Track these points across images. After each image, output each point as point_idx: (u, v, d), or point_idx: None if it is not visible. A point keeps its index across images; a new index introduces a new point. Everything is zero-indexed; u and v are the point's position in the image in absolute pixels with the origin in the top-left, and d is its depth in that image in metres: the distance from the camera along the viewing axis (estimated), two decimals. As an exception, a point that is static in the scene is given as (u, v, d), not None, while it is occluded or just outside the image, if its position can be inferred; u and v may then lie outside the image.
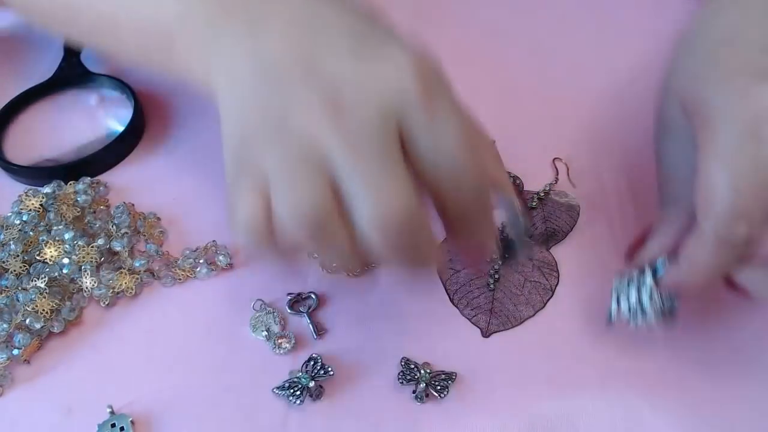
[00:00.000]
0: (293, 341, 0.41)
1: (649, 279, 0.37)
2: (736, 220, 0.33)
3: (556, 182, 0.47)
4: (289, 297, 0.43)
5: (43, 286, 0.43)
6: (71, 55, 0.56)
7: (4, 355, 0.41)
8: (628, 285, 0.38)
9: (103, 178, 0.50)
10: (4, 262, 0.44)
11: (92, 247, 0.44)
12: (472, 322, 0.41)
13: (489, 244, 0.37)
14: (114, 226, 0.46)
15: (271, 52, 0.34)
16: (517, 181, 0.48)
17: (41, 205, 0.46)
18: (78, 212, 0.46)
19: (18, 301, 0.42)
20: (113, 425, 0.38)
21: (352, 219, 0.32)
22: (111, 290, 0.43)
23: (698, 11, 0.41)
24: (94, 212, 0.47)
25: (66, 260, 0.44)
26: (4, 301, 0.42)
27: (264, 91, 0.34)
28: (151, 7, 0.39)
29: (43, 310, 0.42)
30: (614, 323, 0.38)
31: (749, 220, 0.33)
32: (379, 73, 0.33)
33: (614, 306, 0.38)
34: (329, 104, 0.33)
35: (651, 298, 0.37)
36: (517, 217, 0.38)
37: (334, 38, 0.35)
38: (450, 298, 0.43)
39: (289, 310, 0.42)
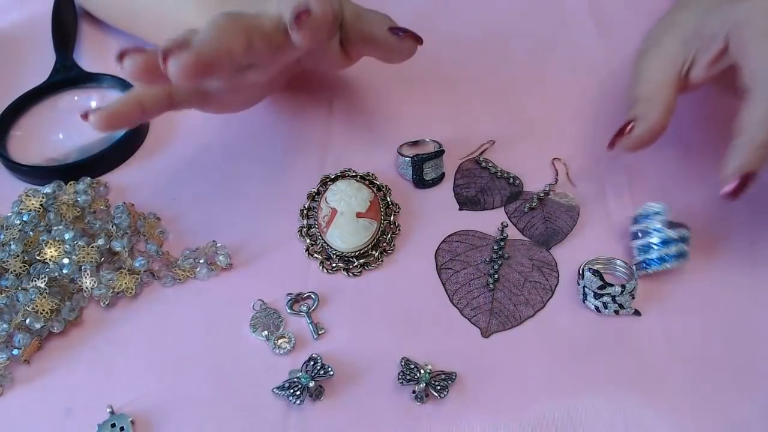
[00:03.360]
0: (293, 341, 0.41)
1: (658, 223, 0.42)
2: None
3: (556, 182, 0.47)
4: (289, 297, 0.43)
5: (43, 286, 0.43)
6: (65, 57, 0.56)
7: (4, 355, 0.41)
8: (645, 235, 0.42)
9: (103, 178, 0.50)
10: (4, 262, 0.44)
11: (92, 247, 0.44)
12: (472, 322, 0.41)
13: None
14: (114, 226, 0.46)
15: None
16: (517, 182, 0.48)
17: (41, 205, 0.46)
18: (78, 212, 0.47)
19: (18, 301, 0.42)
20: (113, 425, 0.38)
21: None
22: (111, 290, 0.43)
23: None
24: (94, 212, 0.47)
25: (66, 260, 0.44)
26: (4, 301, 0.42)
27: None
28: (193, 12, 0.45)
29: (43, 310, 0.42)
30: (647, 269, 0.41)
31: None
32: None
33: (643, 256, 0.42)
34: None
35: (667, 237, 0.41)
36: None
37: None
38: (450, 298, 0.43)
39: (289, 310, 0.42)
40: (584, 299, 0.41)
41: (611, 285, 0.40)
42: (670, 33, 0.46)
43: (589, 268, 0.40)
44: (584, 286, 0.41)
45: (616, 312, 0.40)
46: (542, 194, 0.47)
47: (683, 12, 0.47)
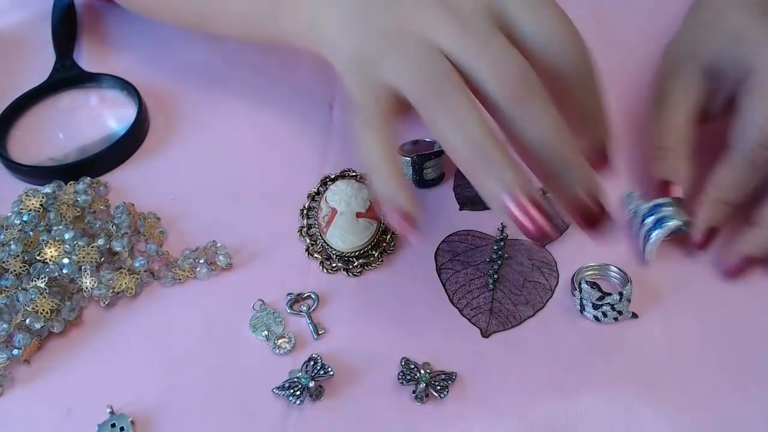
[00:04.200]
0: (293, 341, 0.41)
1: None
2: (763, 146, 0.41)
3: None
4: (289, 297, 0.43)
5: (43, 286, 0.43)
6: (64, 57, 0.56)
7: (4, 355, 0.41)
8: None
9: (103, 178, 0.50)
10: (4, 262, 0.44)
11: (92, 247, 0.44)
12: (472, 322, 0.41)
13: (607, 136, 0.39)
14: (114, 226, 0.46)
15: None
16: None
17: (41, 205, 0.46)
18: (78, 212, 0.47)
19: (18, 301, 0.42)
20: (113, 425, 0.38)
21: (476, 83, 0.36)
22: (111, 290, 0.43)
23: None
24: (94, 212, 0.47)
25: (66, 260, 0.44)
26: (4, 301, 0.42)
27: (373, 15, 0.39)
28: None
29: (43, 310, 0.42)
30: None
31: None
32: None
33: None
34: (437, 4, 0.38)
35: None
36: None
37: None
38: (450, 298, 0.43)
39: (289, 310, 0.42)
40: (582, 310, 0.41)
41: (609, 294, 0.40)
42: (691, 61, 0.46)
43: (586, 281, 0.40)
44: (581, 299, 0.41)
45: (615, 319, 0.40)
46: (541, 193, 0.47)
47: (703, 33, 0.47)
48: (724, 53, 0.45)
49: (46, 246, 0.44)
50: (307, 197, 0.47)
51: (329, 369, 0.39)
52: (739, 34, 0.45)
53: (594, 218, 0.36)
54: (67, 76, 0.55)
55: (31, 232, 0.45)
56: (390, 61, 0.38)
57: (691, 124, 0.45)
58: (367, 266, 0.44)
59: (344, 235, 0.44)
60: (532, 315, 0.42)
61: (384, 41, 0.39)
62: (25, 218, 0.46)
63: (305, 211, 0.47)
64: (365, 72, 0.39)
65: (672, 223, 0.41)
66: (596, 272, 0.42)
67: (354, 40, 0.40)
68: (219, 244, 0.45)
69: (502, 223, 0.45)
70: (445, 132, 0.36)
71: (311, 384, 0.38)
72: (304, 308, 0.42)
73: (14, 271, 0.44)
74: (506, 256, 0.44)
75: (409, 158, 0.47)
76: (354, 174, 0.47)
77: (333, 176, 0.47)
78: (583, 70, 0.38)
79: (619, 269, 0.42)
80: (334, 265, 0.44)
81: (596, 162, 0.39)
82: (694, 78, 0.46)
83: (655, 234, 0.42)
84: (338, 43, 0.41)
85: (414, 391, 0.38)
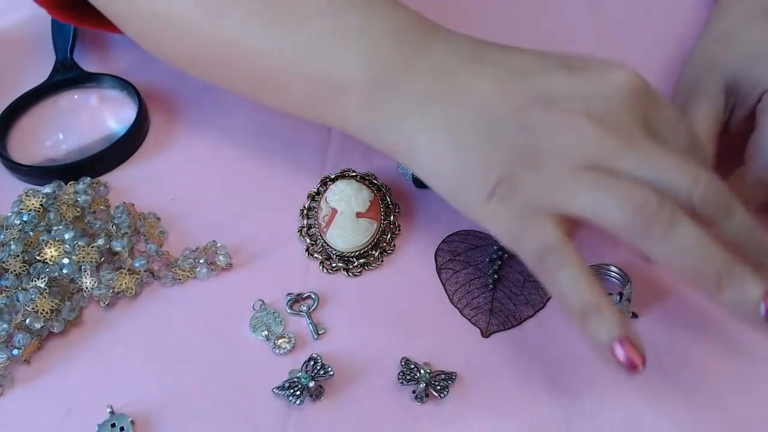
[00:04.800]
0: (293, 341, 0.41)
1: None
2: None
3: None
4: (289, 297, 0.43)
5: (43, 286, 0.43)
6: (64, 57, 0.56)
7: (4, 355, 0.41)
8: None
9: (103, 178, 0.50)
10: (4, 262, 0.44)
11: (92, 247, 0.44)
12: (472, 322, 0.41)
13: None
14: (114, 226, 0.46)
15: (491, 95, 0.37)
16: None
17: (41, 205, 0.46)
18: (78, 212, 0.46)
19: (18, 301, 0.42)
20: (113, 425, 0.38)
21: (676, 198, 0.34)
22: (111, 290, 0.43)
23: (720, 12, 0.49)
24: (94, 212, 0.47)
25: (66, 260, 0.44)
26: (4, 301, 0.42)
27: (501, 131, 0.36)
28: (326, 62, 0.40)
29: (43, 310, 0.42)
30: None
31: None
32: (599, 79, 0.36)
33: None
34: (584, 117, 0.35)
35: None
36: None
37: (533, 64, 0.37)
38: (450, 298, 0.43)
39: (289, 310, 0.42)
40: None
41: (609, 294, 0.39)
42: (713, 75, 0.46)
43: None
44: None
45: None
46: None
47: (724, 47, 0.47)
48: (743, 69, 0.45)
49: (46, 246, 0.44)
50: (307, 197, 0.47)
51: (329, 369, 0.39)
52: (757, 51, 0.45)
53: None
54: (67, 76, 0.55)
55: (31, 232, 0.45)
56: (566, 190, 0.34)
57: (714, 139, 0.44)
58: (367, 266, 0.44)
59: (344, 235, 0.44)
60: (532, 315, 0.42)
61: (525, 164, 0.35)
62: (25, 218, 0.46)
63: (305, 211, 0.47)
64: (526, 208, 0.35)
65: None
66: (596, 272, 0.42)
67: (477, 163, 0.36)
68: (219, 244, 0.45)
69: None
70: (670, 258, 0.33)
71: (311, 384, 0.38)
72: (304, 308, 0.42)
73: (14, 271, 0.44)
74: (506, 255, 0.44)
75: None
76: (354, 174, 0.47)
77: (333, 176, 0.47)
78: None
79: (619, 269, 0.42)
80: (334, 265, 0.44)
81: None
82: (715, 91, 0.45)
83: None
84: (446, 164, 0.37)
85: (414, 391, 0.38)
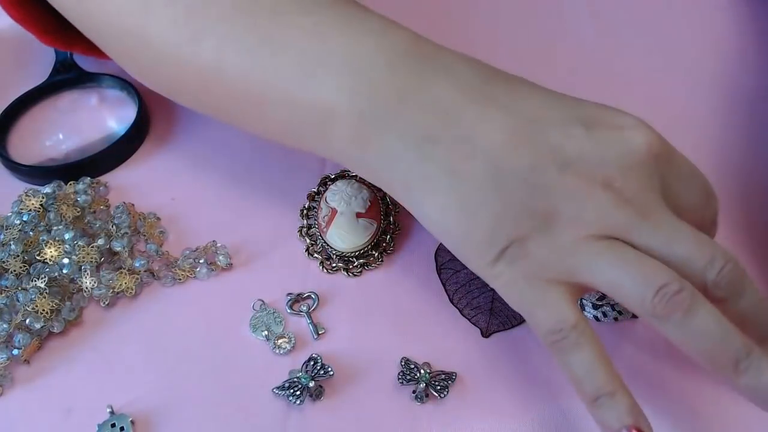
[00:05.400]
0: (293, 341, 0.41)
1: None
2: None
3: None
4: (289, 297, 0.43)
5: (43, 286, 0.43)
6: (64, 57, 0.56)
7: (4, 355, 0.41)
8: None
9: (103, 178, 0.50)
10: (4, 262, 0.44)
11: (92, 247, 0.44)
12: (472, 322, 0.41)
13: None
14: (114, 226, 0.46)
15: (501, 146, 0.34)
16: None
17: (41, 205, 0.46)
18: (78, 212, 0.46)
19: (18, 301, 0.42)
20: (113, 425, 0.38)
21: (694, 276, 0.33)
22: (111, 290, 0.43)
23: None
24: (94, 212, 0.47)
25: (66, 260, 0.44)
26: (4, 301, 0.42)
27: (512, 189, 0.34)
28: (310, 89, 0.37)
29: (43, 310, 0.42)
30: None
31: None
32: (617, 140, 0.34)
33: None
34: (602, 184, 0.33)
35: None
36: None
37: (547, 113, 0.35)
38: (450, 298, 0.43)
39: (289, 310, 0.42)
40: (582, 310, 0.41)
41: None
42: None
43: None
44: (581, 298, 0.40)
45: (616, 319, 0.40)
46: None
47: None
48: None
49: (46, 246, 0.44)
50: (307, 197, 0.47)
51: (329, 369, 0.39)
52: None
53: None
54: (67, 76, 0.55)
55: (31, 232, 0.45)
56: (582, 259, 0.33)
57: None
58: (367, 266, 0.44)
59: (344, 235, 0.44)
60: (532, 315, 0.42)
61: (536, 225, 0.33)
62: (25, 218, 0.46)
63: (305, 211, 0.47)
64: (538, 275, 0.34)
65: None
66: None
67: (500, 229, 0.34)
68: (219, 244, 0.45)
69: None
70: (688, 341, 0.33)
71: (311, 384, 0.38)
72: (304, 308, 0.42)
73: (14, 271, 0.44)
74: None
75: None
76: (354, 174, 0.47)
77: (333, 176, 0.47)
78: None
79: None
80: (334, 265, 0.44)
81: None
82: None
83: None
84: (450, 213, 0.35)
85: (414, 391, 0.38)
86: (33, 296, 0.42)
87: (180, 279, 0.44)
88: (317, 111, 0.37)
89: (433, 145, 0.35)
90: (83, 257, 0.44)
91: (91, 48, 0.49)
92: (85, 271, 0.43)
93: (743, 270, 0.34)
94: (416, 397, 0.38)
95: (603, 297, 0.40)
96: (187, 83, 0.42)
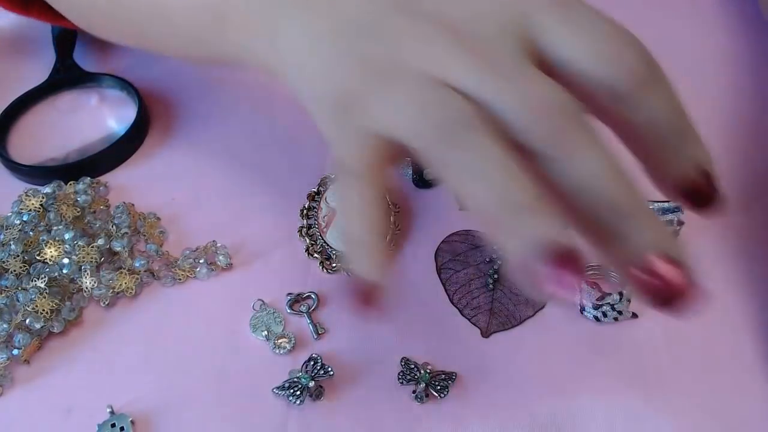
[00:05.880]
0: (293, 341, 0.41)
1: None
2: None
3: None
4: (289, 297, 0.43)
5: (43, 286, 0.43)
6: (65, 56, 0.56)
7: (4, 355, 0.41)
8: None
9: (103, 178, 0.50)
10: (4, 262, 0.44)
11: (92, 247, 0.44)
12: (472, 322, 0.41)
13: (704, 156, 0.31)
14: (114, 226, 0.46)
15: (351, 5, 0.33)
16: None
17: (41, 205, 0.46)
18: (78, 212, 0.47)
19: (18, 301, 0.42)
20: (113, 425, 0.38)
21: (503, 125, 0.29)
22: (111, 290, 0.43)
23: None
24: (94, 212, 0.47)
25: (66, 260, 0.44)
26: (4, 301, 0.42)
27: (356, 42, 0.32)
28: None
29: (43, 310, 0.42)
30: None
31: None
32: None
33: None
34: (443, 30, 0.31)
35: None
36: None
37: None
38: (450, 298, 0.43)
39: (289, 310, 0.42)
40: (582, 310, 0.41)
41: (609, 294, 0.40)
42: None
43: (586, 281, 0.40)
44: (581, 299, 0.40)
45: (616, 319, 0.40)
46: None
47: None
48: None
49: (46, 246, 0.44)
50: (307, 197, 0.47)
51: (329, 369, 0.39)
52: None
53: (668, 294, 0.26)
54: (67, 76, 0.55)
55: (31, 232, 0.45)
56: (384, 102, 0.31)
57: None
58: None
59: (344, 235, 0.44)
60: (532, 315, 0.42)
61: (373, 77, 0.31)
62: (25, 218, 0.46)
63: (305, 211, 0.47)
64: (348, 115, 0.32)
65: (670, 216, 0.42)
66: (596, 272, 0.42)
67: (331, 73, 0.32)
68: (219, 244, 0.45)
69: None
70: (463, 186, 0.29)
71: (311, 384, 0.38)
72: (304, 308, 0.42)
73: (14, 271, 0.44)
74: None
75: (409, 158, 0.47)
76: (354, 174, 0.47)
77: (333, 176, 0.47)
78: (652, 89, 0.31)
79: None
80: (334, 265, 0.44)
81: (701, 194, 0.31)
82: None
83: None
84: (308, 76, 0.34)
85: (414, 391, 0.38)
86: (33, 296, 0.42)
87: (180, 279, 0.44)
88: (210, 8, 0.38)
89: (302, 11, 0.34)
90: (83, 257, 0.44)
91: (45, 11, 0.51)
92: (85, 271, 0.43)
93: (578, 116, 0.29)
94: (416, 397, 0.38)
95: (603, 297, 0.40)
96: (98, 6, 0.45)
